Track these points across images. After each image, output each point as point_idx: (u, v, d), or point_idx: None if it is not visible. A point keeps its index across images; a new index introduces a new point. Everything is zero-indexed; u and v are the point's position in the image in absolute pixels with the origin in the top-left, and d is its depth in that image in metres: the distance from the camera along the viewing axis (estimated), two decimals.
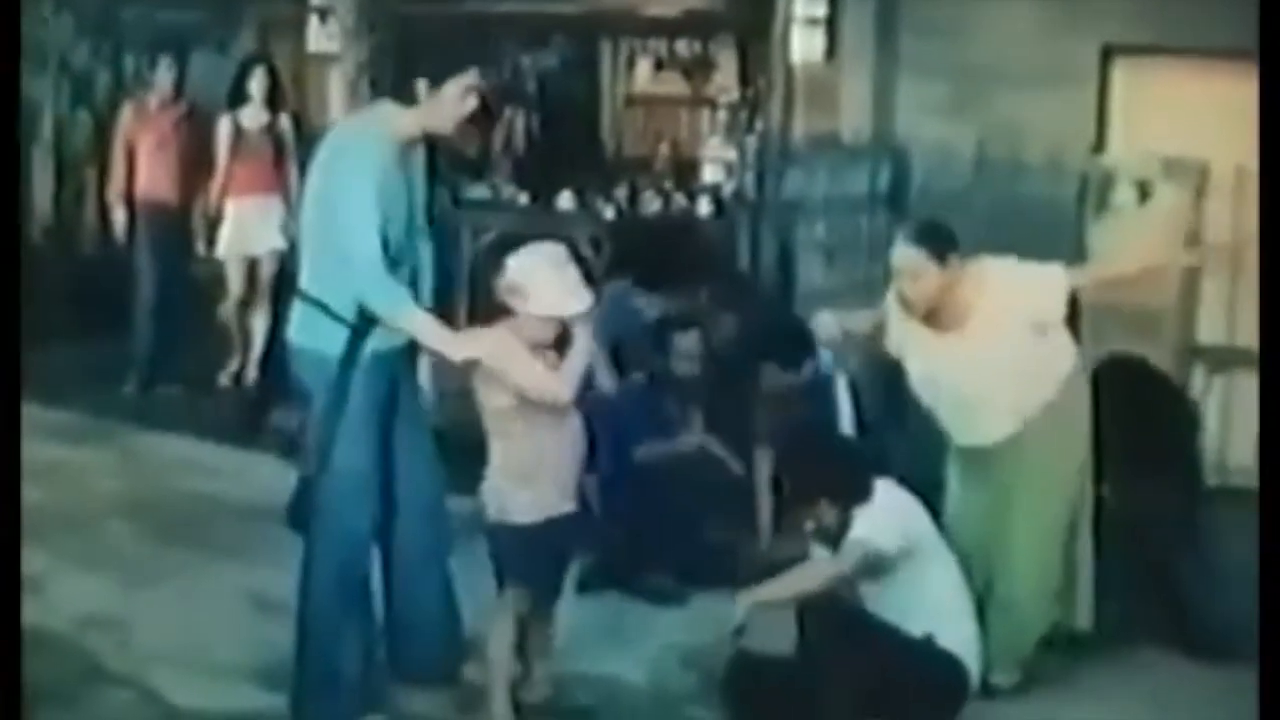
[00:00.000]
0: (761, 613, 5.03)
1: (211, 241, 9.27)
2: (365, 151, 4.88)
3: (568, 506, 5.00)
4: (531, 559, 4.99)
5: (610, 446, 6.37)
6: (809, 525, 5.34)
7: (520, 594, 5.03)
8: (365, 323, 4.86)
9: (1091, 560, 5.67)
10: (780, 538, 6.21)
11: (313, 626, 5.08)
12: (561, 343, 4.94)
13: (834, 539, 5.25)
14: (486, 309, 5.24)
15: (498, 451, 4.94)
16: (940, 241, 5.37)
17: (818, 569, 5.20)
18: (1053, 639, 5.66)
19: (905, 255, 5.39)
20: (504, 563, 5.01)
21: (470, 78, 4.97)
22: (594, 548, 6.11)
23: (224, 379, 9.41)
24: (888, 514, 5.22)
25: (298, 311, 5.03)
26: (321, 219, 4.93)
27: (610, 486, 6.39)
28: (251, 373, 9.33)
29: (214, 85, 9.59)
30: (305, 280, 5.01)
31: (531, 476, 4.91)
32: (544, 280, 4.86)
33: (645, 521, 6.40)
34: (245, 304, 9.32)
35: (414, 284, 5.07)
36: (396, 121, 5.00)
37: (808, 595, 5.09)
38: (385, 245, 4.81)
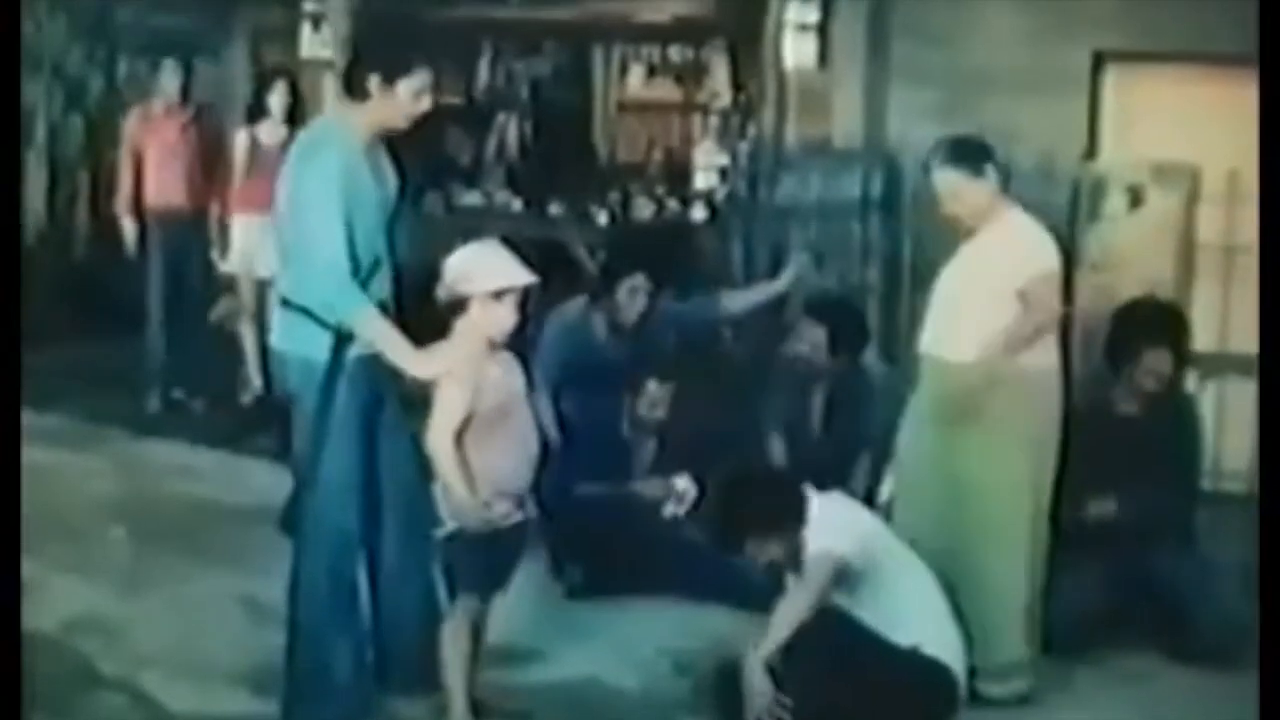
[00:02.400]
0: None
1: (225, 250, 9.12)
2: (327, 153, 4.87)
3: (517, 515, 4.97)
4: (483, 567, 4.97)
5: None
6: (761, 561, 5.32)
7: (472, 601, 5.01)
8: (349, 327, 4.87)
9: (1040, 590, 5.58)
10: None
11: (303, 632, 5.07)
12: (516, 343, 4.98)
13: (796, 567, 5.23)
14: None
15: None
16: (972, 156, 5.44)
17: (795, 604, 5.11)
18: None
19: (944, 179, 5.46)
20: (456, 570, 4.98)
21: (422, 78, 4.97)
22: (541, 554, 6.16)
23: (227, 387, 9.33)
24: (835, 521, 5.21)
25: (280, 318, 5.03)
26: (292, 224, 4.93)
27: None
28: (254, 386, 9.22)
29: (206, 91, 9.57)
30: (286, 287, 5.01)
31: (450, 480, 4.87)
32: (486, 259, 4.89)
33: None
34: (254, 319, 9.21)
35: (392, 283, 5.03)
36: (355, 120, 4.99)
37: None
38: (354, 248, 4.80)
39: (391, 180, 5.10)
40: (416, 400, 5.05)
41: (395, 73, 4.94)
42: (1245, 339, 6.54)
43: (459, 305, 4.85)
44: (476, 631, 5.06)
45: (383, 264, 4.97)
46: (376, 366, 4.93)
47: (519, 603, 5.45)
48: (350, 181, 4.84)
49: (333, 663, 5.05)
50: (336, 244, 4.76)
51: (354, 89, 5.00)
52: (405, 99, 4.96)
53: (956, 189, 5.45)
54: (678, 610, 6.24)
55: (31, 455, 4.64)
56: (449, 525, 4.91)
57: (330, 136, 4.99)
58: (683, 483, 6.74)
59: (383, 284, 4.97)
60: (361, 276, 4.84)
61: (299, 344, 4.93)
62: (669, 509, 6.69)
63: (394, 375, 4.99)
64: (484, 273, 4.84)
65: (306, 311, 4.88)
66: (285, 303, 4.98)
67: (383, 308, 4.90)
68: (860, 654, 5.07)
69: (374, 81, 4.93)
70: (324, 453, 4.94)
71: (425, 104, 5.01)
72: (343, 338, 4.85)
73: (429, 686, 5.09)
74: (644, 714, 5.46)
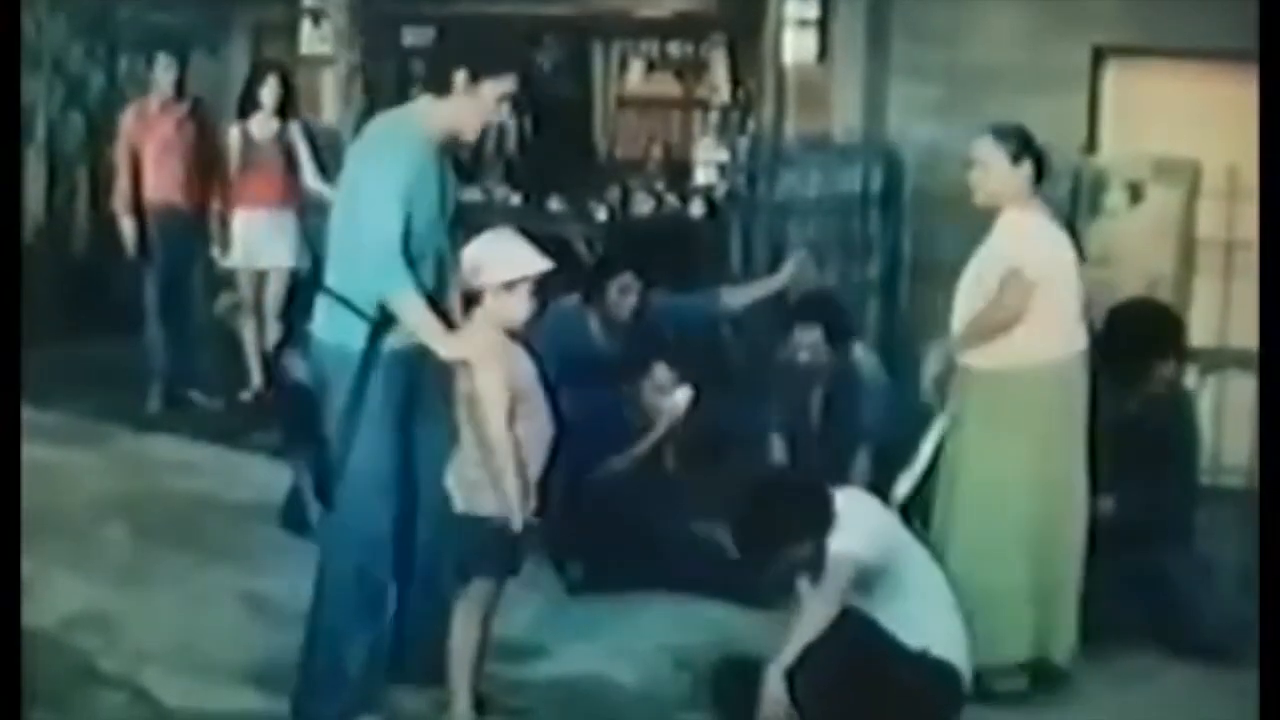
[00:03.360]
0: None
1: (225, 246, 9.11)
2: (399, 145, 4.90)
3: (532, 501, 4.95)
4: (497, 552, 4.96)
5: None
6: (786, 563, 5.30)
7: (487, 587, 5.01)
8: (386, 318, 4.86)
9: (1076, 594, 5.59)
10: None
11: (325, 628, 5.05)
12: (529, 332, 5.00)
13: (815, 567, 5.21)
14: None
15: (470, 442, 4.92)
16: (1017, 144, 5.51)
17: (818, 612, 5.08)
18: (1036, 671, 5.57)
19: (982, 146, 5.54)
20: (470, 555, 4.98)
21: (508, 84, 4.99)
22: (551, 543, 6.17)
23: (227, 383, 9.29)
24: (858, 522, 5.16)
25: (322, 307, 5.02)
26: (347, 210, 4.95)
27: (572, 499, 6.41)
28: (254, 382, 9.21)
29: (205, 88, 9.56)
30: (330, 275, 5.01)
31: (503, 469, 4.89)
32: (501, 249, 4.92)
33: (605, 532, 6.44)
34: (254, 315, 9.20)
35: (440, 278, 5.01)
36: (433, 115, 5.01)
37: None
38: (408, 238, 4.81)
39: (451, 185, 5.12)
40: (448, 394, 5.06)
41: (482, 72, 4.96)
42: (1245, 334, 6.54)
43: (474, 296, 4.88)
44: (485, 623, 5.06)
45: (429, 258, 4.96)
46: (413, 358, 4.93)
47: (520, 599, 5.46)
48: (417, 174, 4.87)
49: (349, 657, 5.03)
50: (393, 226, 4.78)
51: (438, 83, 5.02)
52: (488, 100, 4.98)
53: (989, 161, 5.51)
54: (678, 606, 6.24)
55: (31, 452, 4.65)
56: (461, 509, 4.92)
57: (402, 128, 5.01)
58: (680, 395, 6.78)
59: (428, 275, 4.95)
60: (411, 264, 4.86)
61: (338, 333, 4.93)
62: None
63: (432, 368, 4.98)
64: (496, 264, 4.87)
65: (346, 302, 4.89)
66: (327, 291, 4.98)
67: (426, 297, 4.90)
68: (871, 655, 5.04)
69: (460, 78, 4.95)
70: (354, 443, 4.93)
71: (504, 112, 5.05)
72: (380, 328, 4.86)
73: (444, 678, 5.08)
74: (644, 710, 5.46)
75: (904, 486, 5.89)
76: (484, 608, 5.02)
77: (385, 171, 4.84)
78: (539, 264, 4.90)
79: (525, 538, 5.01)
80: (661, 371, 6.78)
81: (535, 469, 4.94)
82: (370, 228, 4.80)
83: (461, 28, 8.68)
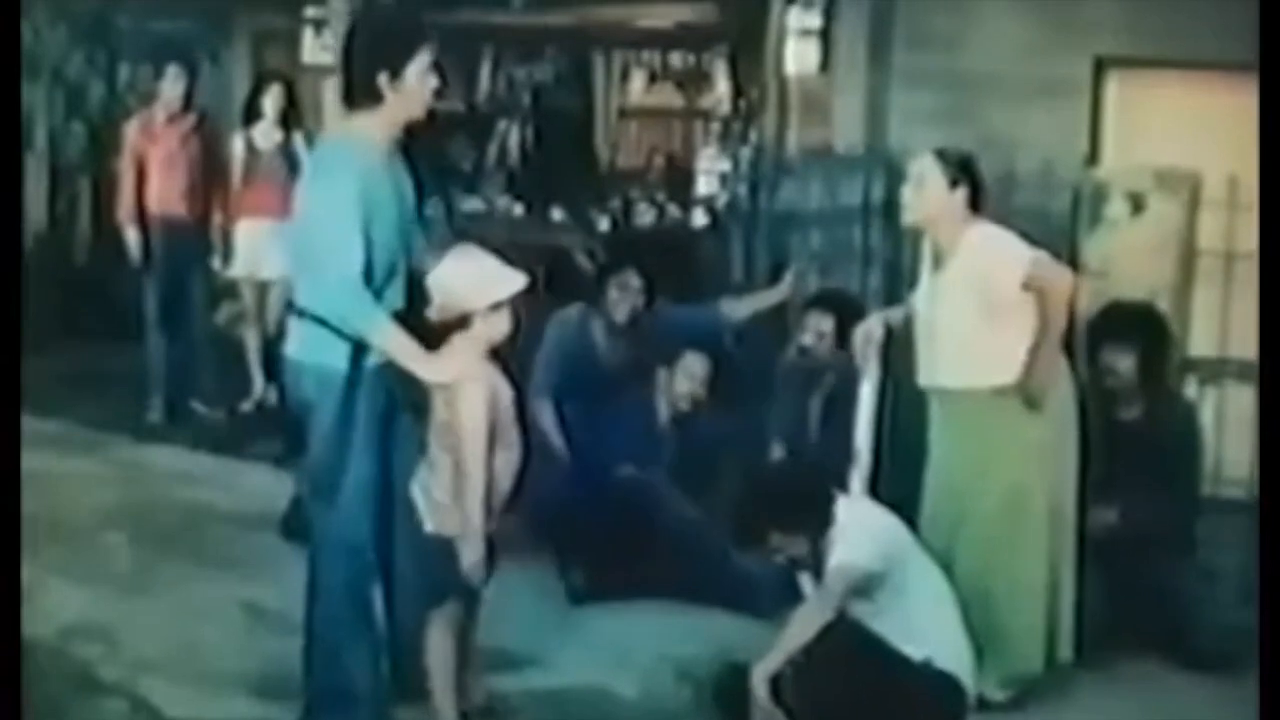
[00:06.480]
0: None
1: (228, 257, 9.13)
2: (346, 163, 4.85)
3: (491, 525, 4.91)
4: (459, 571, 4.92)
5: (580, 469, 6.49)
6: (779, 558, 5.31)
7: (457, 605, 4.98)
8: None
9: (1073, 590, 5.60)
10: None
11: (321, 642, 5.02)
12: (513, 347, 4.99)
13: (814, 566, 5.23)
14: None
15: (443, 466, 4.90)
16: (960, 169, 5.50)
17: (811, 617, 5.08)
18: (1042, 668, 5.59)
19: (923, 163, 5.54)
20: (439, 574, 4.93)
21: (426, 56, 4.92)
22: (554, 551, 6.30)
23: (228, 393, 9.29)
24: (863, 532, 5.16)
25: (296, 328, 4.99)
26: (308, 235, 4.92)
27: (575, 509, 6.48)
28: (256, 392, 9.22)
29: (207, 97, 9.56)
30: (301, 297, 4.99)
31: (473, 498, 4.84)
32: (478, 270, 4.89)
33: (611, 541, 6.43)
34: (257, 325, 9.20)
35: (411, 288, 5.01)
36: (373, 125, 4.96)
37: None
38: (371, 256, 4.78)
39: (409, 189, 5.08)
40: (425, 409, 5.05)
41: (400, 62, 4.90)
42: (1245, 345, 6.53)
43: (459, 320, 4.84)
44: (464, 635, 5.04)
45: (398, 273, 4.95)
46: (392, 375, 4.93)
47: (519, 608, 5.45)
48: (369, 193, 4.81)
49: (352, 673, 5.00)
50: (354, 257, 4.74)
51: (364, 96, 4.95)
52: (417, 85, 4.92)
53: (927, 180, 5.50)
54: (680, 616, 6.23)
55: (32, 461, 4.64)
56: (430, 529, 4.91)
57: (348, 149, 4.94)
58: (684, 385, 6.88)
59: (397, 293, 4.94)
60: (376, 285, 4.82)
61: (316, 353, 4.89)
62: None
63: (407, 383, 4.98)
64: (479, 286, 4.84)
65: (322, 321, 4.86)
66: (300, 313, 4.96)
67: (398, 317, 4.87)
68: (867, 664, 5.04)
69: (383, 80, 4.90)
70: (345, 463, 4.91)
71: (434, 81, 4.96)
72: (361, 347, 4.83)
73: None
74: None
75: (863, 454, 5.93)
76: (457, 623, 4.99)
77: (336, 198, 4.77)
78: (519, 280, 4.88)
79: (493, 555, 5.00)
80: (692, 359, 6.81)
81: (504, 493, 4.92)
82: (333, 259, 4.75)
83: (359, 32, 8.71)
